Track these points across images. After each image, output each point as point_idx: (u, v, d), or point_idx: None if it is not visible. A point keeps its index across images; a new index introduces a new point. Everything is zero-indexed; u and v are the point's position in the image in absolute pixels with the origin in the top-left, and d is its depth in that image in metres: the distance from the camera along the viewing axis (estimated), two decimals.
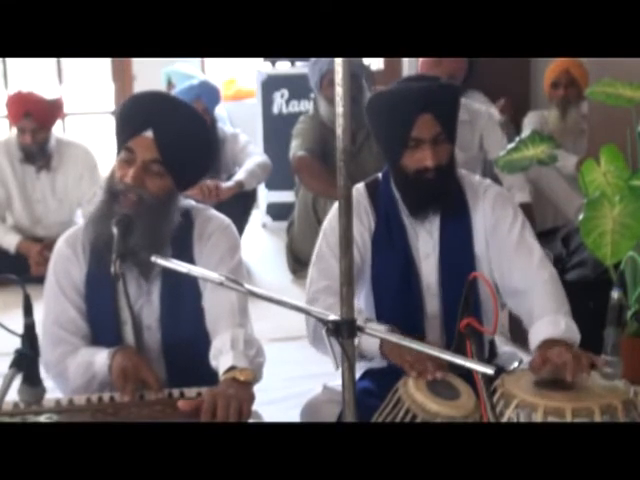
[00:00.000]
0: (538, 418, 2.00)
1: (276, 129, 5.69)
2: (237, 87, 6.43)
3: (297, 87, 5.70)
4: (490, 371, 1.65)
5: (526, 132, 3.75)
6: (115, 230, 2.16)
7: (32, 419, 1.97)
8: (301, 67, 5.76)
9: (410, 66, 6.13)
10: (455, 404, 2.12)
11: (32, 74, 7.92)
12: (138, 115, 2.23)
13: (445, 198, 2.45)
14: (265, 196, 5.79)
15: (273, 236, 5.62)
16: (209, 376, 2.18)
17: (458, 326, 1.90)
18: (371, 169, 4.18)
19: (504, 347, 2.80)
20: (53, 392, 2.25)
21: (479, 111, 4.77)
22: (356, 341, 2.28)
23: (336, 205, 1.67)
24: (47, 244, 4.42)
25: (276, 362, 2.72)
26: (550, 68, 4.88)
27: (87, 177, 4.75)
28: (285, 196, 5.46)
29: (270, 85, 5.77)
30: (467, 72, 4.95)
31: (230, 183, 4.71)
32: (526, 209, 3.03)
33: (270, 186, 5.67)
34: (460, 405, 2.11)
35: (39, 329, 1.92)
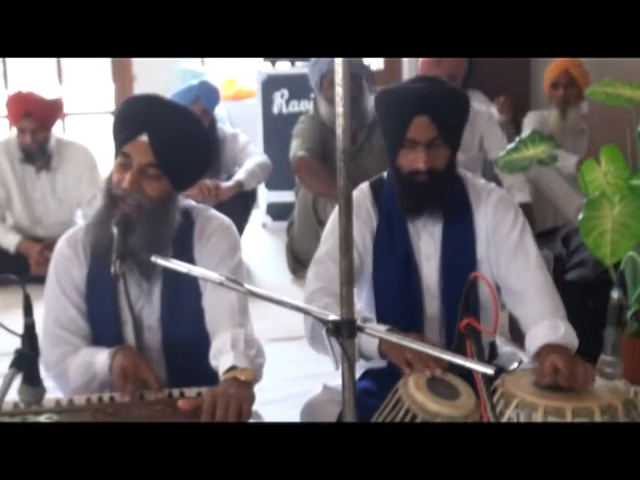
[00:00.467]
0: (538, 418, 2.00)
1: (276, 129, 5.69)
2: (237, 87, 6.43)
3: (297, 87, 5.70)
4: (490, 371, 1.65)
5: (526, 132, 3.75)
6: (115, 230, 2.17)
7: (32, 419, 1.97)
8: (301, 67, 5.76)
9: (410, 66, 6.13)
10: (455, 404, 2.12)
11: (32, 74, 7.92)
12: (133, 120, 2.24)
13: (437, 202, 2.44)
14: (265, 196, 5.79)
15: (273, 236, 5.62)
16: (209, 376, 2.18)
17: (458, 326, 1.90)
18: (371, 169, 4.18)
19: (504, 347, 2.80)
20: (53, 392, 2.25)
21: (479, 111, 4.77)
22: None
23: (337, 208, 1.67)
24: (47, 244, 4.42)
25: (276, 362, 2.72)
26: (550, 68, 4.88)
27: (87, 177, 4.75)
28: (285, 196, 5.46)
29: (270, 85, 5.77)
30: (467, 72, 4.94)
31: (230, 183, 4.71)
32: (526, 209, 3.04)
33: (270, 186, 5.67)
34: (460, 405, 2.11)
35: (39, 329, 1.93)
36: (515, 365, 2.30)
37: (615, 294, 2.12)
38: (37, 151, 4.66)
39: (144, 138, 2.20)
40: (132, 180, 2.20)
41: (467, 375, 2.07)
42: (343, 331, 1.61)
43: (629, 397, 2.06)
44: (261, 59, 5.77)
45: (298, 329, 2.50)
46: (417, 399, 2.11)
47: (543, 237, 3.63)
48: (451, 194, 2.46)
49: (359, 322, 2.20)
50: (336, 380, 1.88)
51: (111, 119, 2.34)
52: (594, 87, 3.21)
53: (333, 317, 1.63)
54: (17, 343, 1.87)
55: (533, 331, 2.33)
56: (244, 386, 2.05)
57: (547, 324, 2.31)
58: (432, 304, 2.50)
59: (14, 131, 4.73)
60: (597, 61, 3.86)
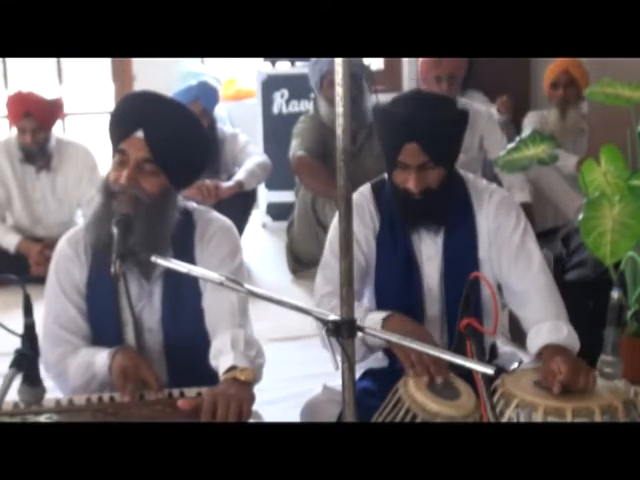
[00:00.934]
0: (538, 418, 2.00)
1: (276, 129, 5.69)
2: (237, 87, 6.42)
3: (297, 87, 5.70)
4: (490, 371, 1.65)
5: (526, 132, 3.75)
6: (115, 230, 2.16)
7: (32, 419, 1.97)
8: (301, 67, 5.75)
9: (410, 66, 6.13)
10: (455, 404, 2.12)
11: (32, 74, 7.92)
12: (128, 117, 2.24)
13: (432, 217, 2.45)
14: (265, 196, 5.78)
15: (273, 236, 5.62)
16: (210, 376, 2.18)
17: (458, 326, 1.90)
18: (371, 169, 4.19)
19: (504, 347, 2.80)
20: (53, 392, 2.25)
21: (479, 111, 4.77)
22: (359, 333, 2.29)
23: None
24: (47, 244, 4.42)
25: (276, 362, 2.72)
26: (550, 68, 4.88)
27: (87, 177, 4.74)
28: (285, 196, 5.46)
29: (270, 85, 5.77)
30: (467, 72, 4.94)
31: (230, 183, 4.71)
32: (526, 209, 3.03)
33: (270, 186, 5.67)
34: (460, 405, 2.11)
35: (39, 329, 1.92)
36: (515, 365, 2.31)
37: (615, 294, 2.12)
38: (37, 151, 4.65)
39: (140, 134, 2.21)
40: (129, 176, 2.20)
41: (467, 375, 2.07)
42: (343, 331, 1.61)
43: (629, 397, 2.06)
44: (261, 59, 5.77)
45: (298, 329, 2.51)
46: (417, 399, 2.11)
47: (543, 237, 3.62)
48: (447, 207, 2.46)
49: (362, 313, 2.22)
50: (336, 380, 1.88)
51: None
52: (594, 87, 3.22)
53: (333, 317, 1.63)
54: (17, 343, 1.87)
55: (535, 331, 2.33)
56: (244, 386, 2.05)
57: (549, 325, 2.31)
58: (433, 305, 2.50)
59: (14, 131, 4.73)
60: (597, 61, 3.86)
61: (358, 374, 2.40)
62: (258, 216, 5.72)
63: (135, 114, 2.24)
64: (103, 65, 6.60)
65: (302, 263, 4.67)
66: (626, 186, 2.96)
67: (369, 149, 4.59)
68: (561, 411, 2.00)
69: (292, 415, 2.60)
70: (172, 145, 2.23)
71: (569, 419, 1.98)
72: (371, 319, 2.33)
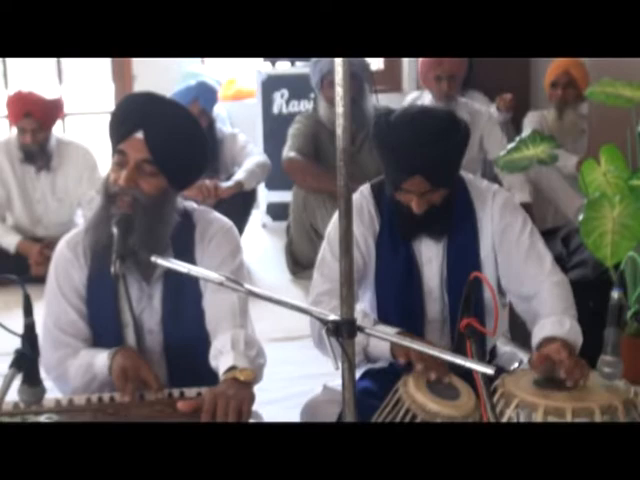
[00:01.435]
0: (538, 418, 2.00)
1: (276, 129, 5.68)
2: (237, 87, 6.42)
3: (297, 87, 5.70)
4: (490, 371, 1.65)
5: (526, 132, 3.75)
6: (115, 230, 2.17)
7: (32, 419, 1.96)
8: (301, 67, 5.75)
9: (410, 66, 6.14)
10: (455, 404, 2.12)
11: (32, 74, 7.92)
12: (128, 118, 2.24)
13: (434, 229, 2.45)
14: (265, 196, 5.78)
15: (273, 236, 5.62)
16: (210, 377, 2.18)
17: (458, 326, 1.90)
18: (370, 169, 4.20)
19: (504, 347, 2.80)
20: (53, 392, 2.25)
21: (479, 111, 4.77)
22: (364, 342, 2.29)
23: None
24: (47, 244, 4.42)
25: (276, 362, 2.71)
26: (551, 68, 4.88)
27: (87, 177, 4.74)
28: (285, 196, 5.45)
29: (270, 85, 5.77)
30: (467, 72, 4.95)
31: (229, 183, 4.71)
32: (526, 209, 3.03)
33: (270, 186, 5.67)
34: (460, 405, 2.11)
35: (39, 330, 1.92)
36: (515, 365, 2.31)
37: (615, 294, 2.12)
38: (37, 151, 4.65)
39: (139, 135, 2.21)
40: (128, 177, 2.20)
41: (467, 375, 2.07)
42: (343, 331, 1.61)
43: (629, 397, 2.06)
44: (261, 59, 5.77)
45: (298, 329, 2.51)
46: (417, 399, 2.11)
47: (543, 237, 3.62)
48: (450, 216, 2.46)
49: (370, 325, 2.22)
50: (336, 380, 1.89)
51: None
52: (594, 87, 3.21)
53: (333, 317, 1.63)
54: (17, 343, 1.87)
55: (539, 326, 2.33)
56: (244, 386, 2.05)
57: (553, 319, 2.31)
58: (433, 307, 2.50)
59: (14, 131, 4.73)
60: (597, 61, 3.87)
61: (358, 374, 2.40)
62: (258, 216, 5.72)
63: (135, 115, 2.24)
64: (103, 65, 6.60)
65: (300, 265, 4.67)
66: (626, 186, 2.96)
67: (368, 149, 4.59)
68: (561, 411, 2.00)
69: (292, 415, 2.60)
70: (172, 146, 2.23)
71: (569, 419, 1.98)
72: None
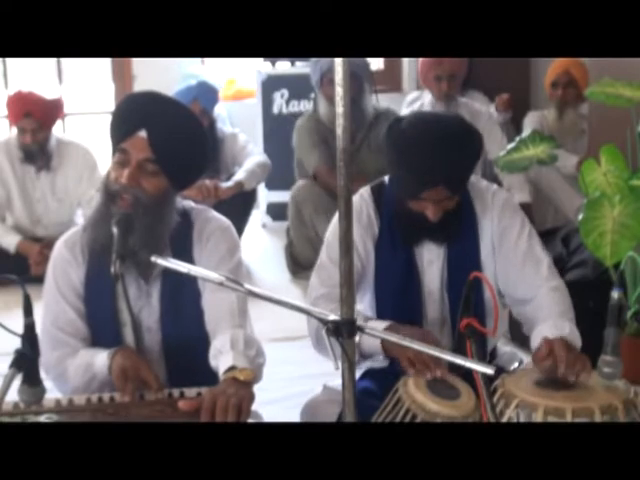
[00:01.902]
0: (538, 418, 2.00)
1: (276, 129, 5.69)
2: (237, 87, 6.43)
3: (297, 87, 5.70)
4: (490, 371, 1.65)
5: (526, 132, 3.75)
6: (115, 230, 2.17)
7: (32, 419, 1.97)
8: (301, 67, 5.76)
9: (410, 66, 6.14)
10: (455, 404, 2.12)
11: (32, 74, 7.92)
12: (130, 116, 2.24)
13: (441, 234, 2.45)
14: (265, 196, 5.79)
15: (273, 236, 5.62)
16: (209, 377, 2.18)
17: (458, 326, 1.90)
18: (370, 169, 4.20)
19: (504, 347, 2.80)
20: (53, 392, 2.25)
21: (479, 111, 4.77)
22: (357, 339, 2.29)
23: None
24: (47, 244, 4.42)
25: (276, 362, 2.72)
26: (551, 68, 4.88)
27: (87, 177, 4.75)
28: (285, 196, 5.45)
29: (270, 85, 5.77)
30: (467, 72, 4.95)
31: (230, 183, 4.71)
32: (526, 209, 3.03)
33: (270, 186, 5.67)
34: (460, 405, 2.11)
35: (39, 330, 1.92)
36: (515, 365, 2.31)
37: (615, 294, 2.12)
38: (37, 151, 4.66)
39: (142, 134, 2.20)
40: (130, 176, 2.19)
41: (467, 375, 2.07)
42: (343, 331, 1.61)
43: (629, 397, 2.06)
44: (261, 59, 5.77)
45: (298, 329, 2.51)
46: (417, 399, 2.11)
47: (543, 237, 3.61)
48: (460, 224, 2.46)
49: (360, 321, 2.22)
50: (336, 380, 1.88)
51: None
52: (594, 87, 3.22)
53: (333, 317, 1.63)
54: (17, 343, 1.87)
55: (538, 330, 2.33)
56: (244, 386, 2.05)
57: (552, 323, 2.31)
58: (433, 309, 2.50)
59: (14, 131, 4.73)
60: (597, 61, 3.87)
61: (358, 374, 2.40)
62: (258, 216, 5.72)
63: (138, 114, 2.24)
64: (103, 65, 6.60)
65: (301, 265, 4.68)
66: (626, 186, 2.96)
67: (367, 148, 4.60)
68: (561, 411, 2.00)
69: (292, 415, 2.60)
70: (174, 146, 2.23)
71: (569, 419, 1.98)
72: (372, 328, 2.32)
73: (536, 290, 2.41)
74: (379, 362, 2.48)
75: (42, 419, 1.97)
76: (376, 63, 6.06)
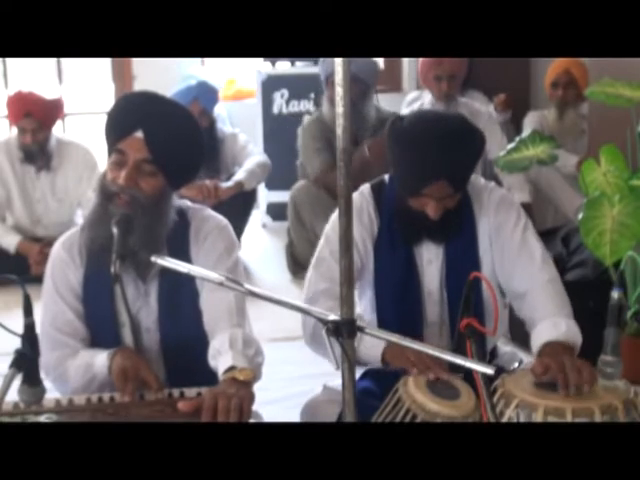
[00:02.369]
0: (538, 418, 2.00)
1: (276, 129, 5.69)
2: (237, 87, 6.43)
3: (297, 87, 5.70)
4: (490, 371, 1.65)
5: (526, 132, 3.75)
6: (115, 230, 2.17)
7: (32, 419, 1.96)
8: (301, 67, 5.76)
9: (410, 66, 6.14)
10: (455, 404, 2.12)
11: (32, 74, 7.92)
12: (127, 117, 2.24)
13: (441, 232, 2.45)
14: (265, 196, 5.79)
15: (273, 236, 5.62)
16: (208, 376, 2.18)
17: (458, 326, 1.90)
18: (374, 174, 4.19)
19: (504, 347, 2.80)
20: (53, 392, 2.25)
21: (479, 111, 4.77)
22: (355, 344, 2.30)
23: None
24: (47, 244, 4.42)
25: (276, 362, 2.72)
26: (551, 67, 4.88)
27: (87, 177, 4.75)
28: (285, 196, 5.45)
29: (270, 85, 5.77)
30: (467, 72, 4.95)
31: (230, 183, 4.72)
32: (526, 209, 3.03)
33: (270, 186, 5.67)
34: (460, 405, 2.11)
35: (38, 331, 1.92)
36: (515, 365, 2.31)
37: (615, 294, 2.12)
38: (37, 151, 4.66)
39: (139, 134, 2.20)
40: (128, 176, 2.19)
41: (467, 375, 2.07)
42: (343, 331, 1.61)
43: (629, 397, 2.06)
44: (261, 59, 5.77)
45: (298, 329, 2.50)
46: (417, 399, 2.11)
47: (543, 237, 3.61)
48: (460, 223, 2.46)
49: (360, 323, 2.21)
50: (336, 380, 1.88)
51: None
52: (594, 87, 3.22)
53: (333, 317, 1.63)
54: (17, 343, 1.87)
55: (536, 331, 2.33)
56: (244, 386, 2.05)
57: (549, 322, 2.31)
58: (432, 309, 2.50)
59: (14, 131, 4.73)
60: (597, 61, 3.87)
61: (358, 374, 2.40)
62: (258, 216, 5.73)
63: (134, 114, 2.24)
64: (103, 65, 6.60)
65: (301, 265, 4.67)
66: (626, 186, 2.96)
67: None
68: (561, 411, 2.00)
69: (292, 415, 2.60)
70: (171, 146, 2.23)
71: (569, 419, 1.98)
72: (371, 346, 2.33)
73: (531, 281, 2.41)
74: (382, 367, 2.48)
75: (42, 419, 1.96)
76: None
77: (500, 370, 1.97)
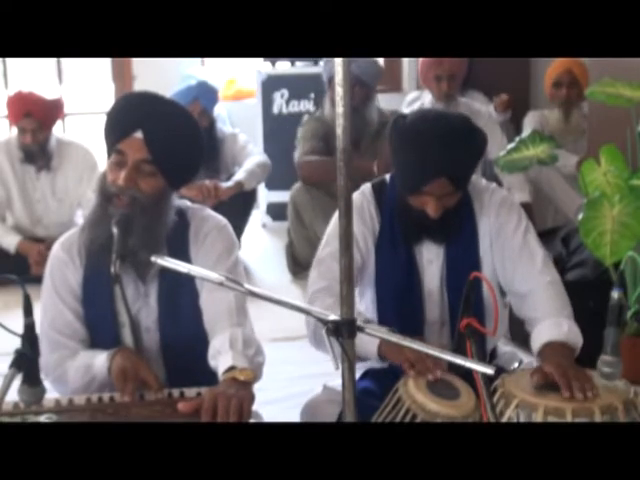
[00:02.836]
0: (538, 418, 2.00)
1: (276, 129, 5.69)
2: (237, 87, 6.43)
3: (297, 87, 5.70)
4: (490, 371, 1.65)
5: (526, 132, 3.75)
6: (115, 230, 2.17)
7: (32, 419, 1.96)
8: (301, 67, 5.76)
9: (410, 66, 6.14)
10: (455, 404, 2.12)
11: (32, 74, 7.93)
12: (126, 117, 2.24)
13: (441, 232, 2.45)
14: (265, 196, 5.79)
15: (273, 236, 5.62)
16: (208, 376, 2.18)
17: (458, 326, 1.90)
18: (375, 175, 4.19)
19: (504, 347, 2.80)
20: (53, 392, 2.25)
21: (479, 111, 4.77)
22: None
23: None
24: (47, 244, 4.42)
25: (276, 362, 2.72)
26: (552, 67, 4.86)
27: (87, 177, 4.75)
28: (285, 196, 5.46)
29: (270, 85, 5.77)
30: (467, 72, 4.95)
31: (230, 183, 4.72)
32: (526, 209, 3.04)
33: (270, 186, 5.68)
34: (460, 405, 2.11)
35: (38, 331, 1.92)
36: (515, 365, 2.31)
37: (615, 294, 2.12)
38: (37, 151, 4.66)
39: (139, 135, 2.20)
40: (127, 177, 2.19)
41: (467, 375, 2.07)
42: (343, 331, 1.61)
43: (629, 397, 2.06)
44: (261, 59, 5.77)
45: (298, 329, 2.50)
46: (417, 399, 2.11)
47: (543, 237, 3.61)
48: (460, 223, 2.46)
49: (361, 323, 2.22)
50: (336, 380, 1.88)
51: None
52: (594, 87, 3.22)
53: (333, 317, 1.63)
54: (17, 343, 1.87)
55: (537, 331, 2.33)
56: (244, 386, 2.05)
57: (550, 322, 2.31)
58: (433, 308, 2.50)
59: (14, 131, 4.73)
60: (597, 61, 3.86)
61: (358, 374, 2.40)
62: (258, 216, 5.73)
63: (133, 115, 2.23)
64: (103, 65, 6.60)
65: (301, 265, 4.68)
66: (626, 186, 2.96)
67: (372, 154, 4.59)
68: (561, 411, 2.00)
69: (292, 415, 2.60)
70: (171, 146, 2.23)
71: (569, 419, 1.98)
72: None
73: (532, 283, 2.41)
74: (379, 362, 2.48)
75: (42, 419, 1.96)
76: None
77: (500, 370, 1.97)
